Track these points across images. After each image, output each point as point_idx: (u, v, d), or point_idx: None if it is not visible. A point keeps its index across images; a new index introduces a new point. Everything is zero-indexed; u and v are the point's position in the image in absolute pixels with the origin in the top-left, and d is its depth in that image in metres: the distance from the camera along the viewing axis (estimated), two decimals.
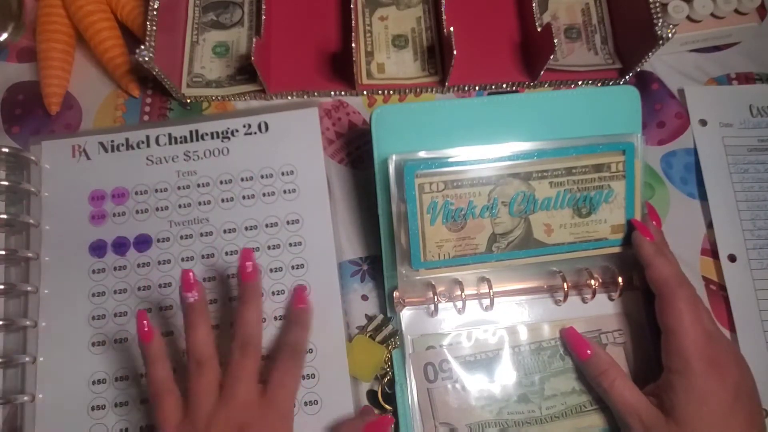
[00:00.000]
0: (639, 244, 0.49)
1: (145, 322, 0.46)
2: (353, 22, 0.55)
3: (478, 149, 0.48)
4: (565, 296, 0.51)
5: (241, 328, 0.46)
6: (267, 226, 0.55)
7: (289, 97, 0.61)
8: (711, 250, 0.57)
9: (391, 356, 0.51)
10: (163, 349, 0.47)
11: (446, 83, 0.59)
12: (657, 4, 0.53)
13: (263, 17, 0.57)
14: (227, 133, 0.57)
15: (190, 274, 0.46)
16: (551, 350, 0.51)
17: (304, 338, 0.49)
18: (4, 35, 0.62)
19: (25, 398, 0.50)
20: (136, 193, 0.56)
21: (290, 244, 0.54)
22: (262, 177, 0.56)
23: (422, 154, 0.48)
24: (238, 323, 0.47)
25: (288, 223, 0.55)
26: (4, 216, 0.52)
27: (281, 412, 0.45)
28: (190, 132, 0.57)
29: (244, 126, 0.57)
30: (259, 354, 0.46)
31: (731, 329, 0.54)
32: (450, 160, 0.48)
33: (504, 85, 0.61)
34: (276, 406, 0.45)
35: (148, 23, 0.53)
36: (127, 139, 0.57)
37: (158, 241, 0.54)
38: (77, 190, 0.56)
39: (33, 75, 0.62)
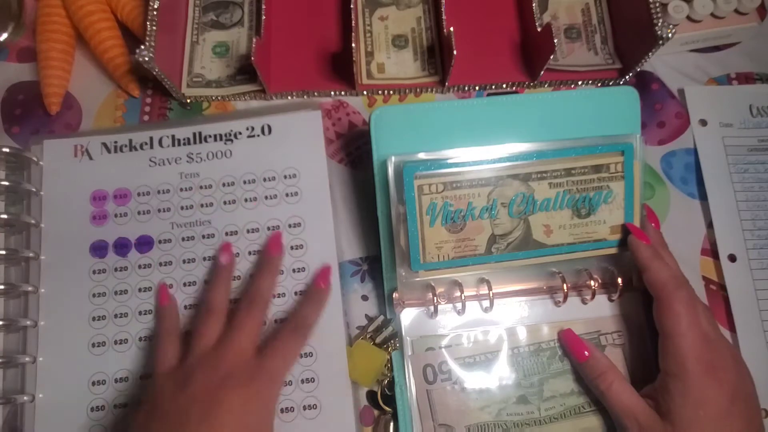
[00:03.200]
0: (635, 247, 0.49)
1: (167, 294, 0.52)
2: (353, 22, 0.55)
3: (477, 150, 0.48)
4: (565, 297, 0.51)
5: (252, 288, 0.50)
6: (269, 229, 0.55)
7: (289, 97, 0.61)
8: (711, 250, 0.57)
9: (391, 358, 0.51)
10: (176, 311, 0.52)
11: (446, 83, 0.59)
12: (657, 4, 0.53)
13: (263, 17, 0.57)
14: (230, 135, 0.57)
15: (231, 246, 0.53)
16: (550, 351, 0.51)
17: (314, 316, 0.50)
18: (4, 35, 0.62)
19: (25, 398, 0.50)
20: (139, 194, 0.56)
21: (292, 248, 0.54)
22: (264, 180, 0.56)
23: (421, 155, 0.48)
24: (251, 285, 0.51)
25: (290, 226, 0.55)
26: (4, 216, 0.52)
27: (270, 377, 0.46)
28: (194, 134, 0.57)
29: (247, 128, 0.57)
30: (262, 316, 0.49)
31: (731, 329, 0.54)
32: (449, 161, 0.48)
33: (504, 85, 0.61)
34: (267, 370, 0.46)
35: (148, 23, 0.53)
36: (130, 140, 0.57)
37: (160, 242, 0.54)
38: (78, 190, 0.56)
39: (33, 75, 0.62)
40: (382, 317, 0.52)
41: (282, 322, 0.51)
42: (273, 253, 0.52)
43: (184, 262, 0.54)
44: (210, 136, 0.57)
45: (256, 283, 0.50)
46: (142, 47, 0.51)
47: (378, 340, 0.51)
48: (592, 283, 0.50)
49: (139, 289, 0.53)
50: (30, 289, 0.52)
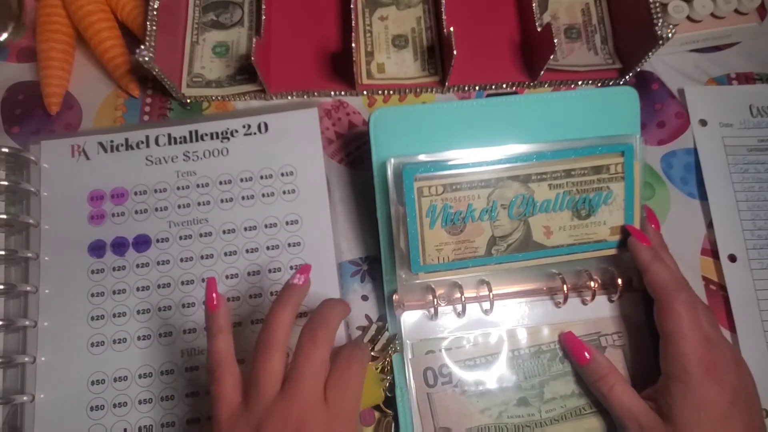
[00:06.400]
0: (635, 249, 0.49)
1: (214, 294, 0.44)
2: (353, 22, 0.55)
3: (476, 152, 0.48)
4: (565, 298, 0.51)
5: (318, 312, 0.44)
6: (266, 226, 0.55)
7: (289, 97, 0.61)
8: (711, 250, 0.57)
9: (391, 360, 0.50)
10: (229, 319, 0.44)
11: (446, 83, 0.59)
12: (657, 4, 0.53)
13: (263, 17, 0.57)
14: (227, 133, 0.57)
15: (309, 268, 0.45)
16: (551, 353, 0.51)
17: (336, 318, 0.44)
18: (4, 35, 0.62)
19: (25, 398, 0.50)
20: (135, 194, 0.56)
21: (289, 245, 0.54)
22: (261, 177, 0.56)
23: (421, 156, 0.48)
24: (316, 309, 0.44)
25: (287, 223, 0.55)
26: (4, 216, 0.52)
27: (344, 418, 0.41)
28: (190, 132, 0.57)
29: (244, 126, 0.57)
30: (330, 344, 0.42)
31: (731, 329, 0.54)
32: (449, 163, 0.48)
33: (504, 85, 0.61)
34: (338, 411, 0.41)
35: (148, 23, 0.53)
36: (126, 140, 0.57)
37: (157, 241, 0.54)
38: (76, 190, 0.56)
39: (33, 75, 0.62)
40: (375, 325, 0.50)
41: (338, 349, 0.44)
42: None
43: (181, 260, 0.54)
44: (206, 134, 0.57)
45: (323, 306, 0.44)
46: (142, 47, 0.51)
47: (377, 348, 0.49)
48: (592, 284, 0.50)
49: (137, 288, 0.53)
50: (30, 289, 0.52)
